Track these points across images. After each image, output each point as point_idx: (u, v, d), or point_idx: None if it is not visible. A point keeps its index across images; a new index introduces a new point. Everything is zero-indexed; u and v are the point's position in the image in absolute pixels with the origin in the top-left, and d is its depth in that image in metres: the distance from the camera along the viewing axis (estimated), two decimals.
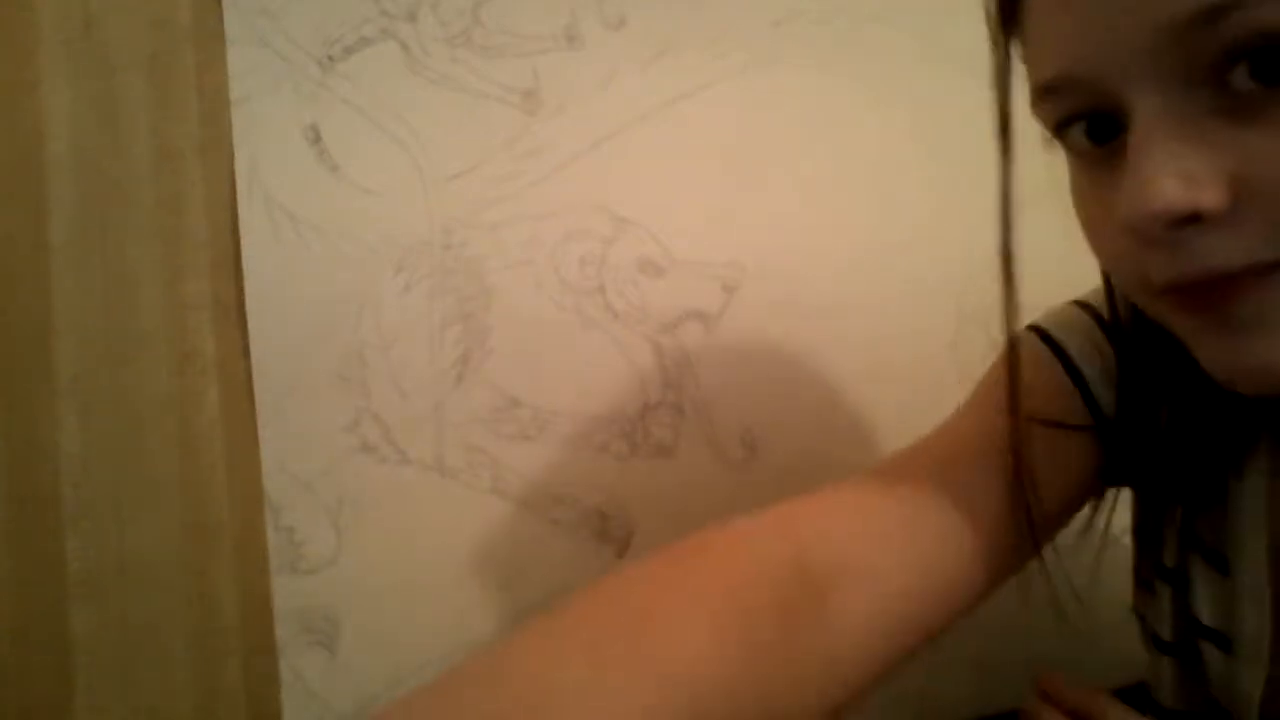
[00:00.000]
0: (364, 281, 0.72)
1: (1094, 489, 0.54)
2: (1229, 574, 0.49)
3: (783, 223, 0.80)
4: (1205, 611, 0.50)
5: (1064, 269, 0.52)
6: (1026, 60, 0.40)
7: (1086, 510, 0.55)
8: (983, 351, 0.80)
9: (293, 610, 0.69)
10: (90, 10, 0.71)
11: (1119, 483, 0.55)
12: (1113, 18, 0.35)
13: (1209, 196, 0.35)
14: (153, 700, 0.67)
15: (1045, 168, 0.43)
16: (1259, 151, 0.34)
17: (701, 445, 0.77)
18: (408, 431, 0.71)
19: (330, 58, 0.74)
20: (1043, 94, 0.40)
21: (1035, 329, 0.56)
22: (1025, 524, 0.49)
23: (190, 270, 0.70)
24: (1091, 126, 0.39)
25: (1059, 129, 0.40)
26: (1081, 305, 0.56)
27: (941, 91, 0.82)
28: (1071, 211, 0.43)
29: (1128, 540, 0.58)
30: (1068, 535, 0.55)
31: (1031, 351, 0.54)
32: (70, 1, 0.71)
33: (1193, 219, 0.35)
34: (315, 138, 0.73)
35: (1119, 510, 0.56)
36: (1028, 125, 0.45)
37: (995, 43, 0.42)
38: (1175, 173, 0.35)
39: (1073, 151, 0.41)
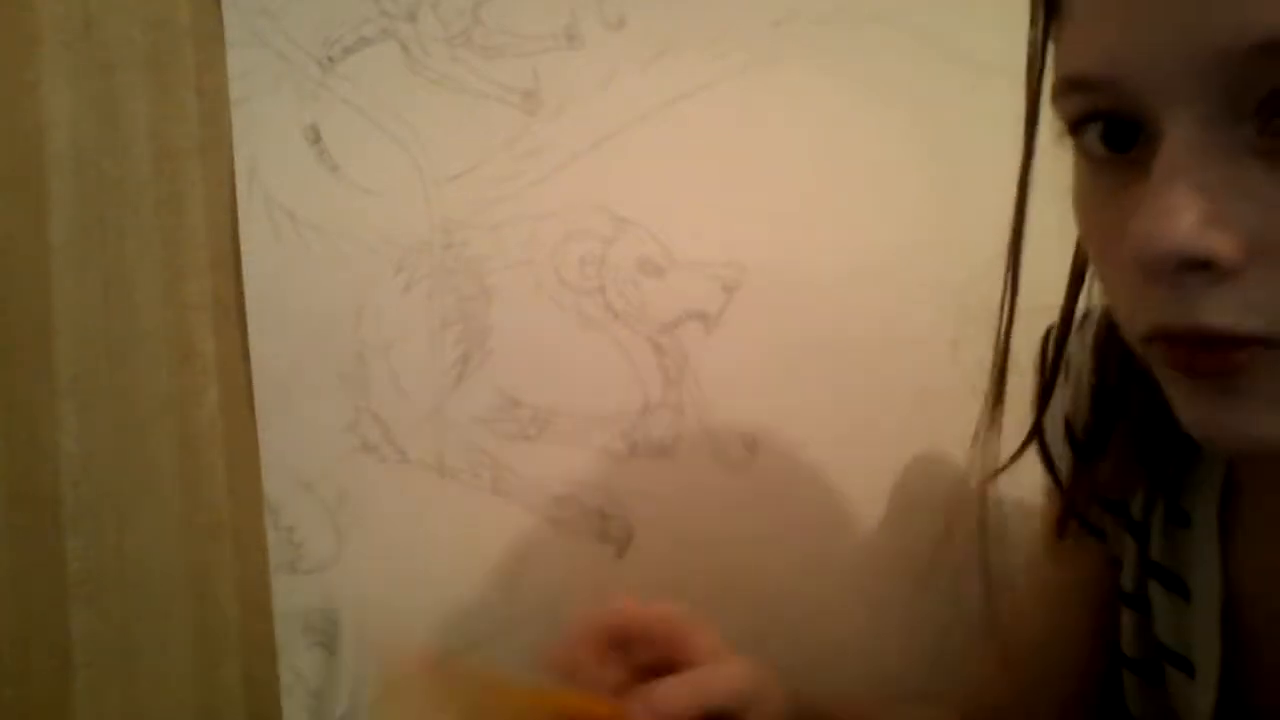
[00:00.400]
0: (364, 281, 0.72)
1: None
2: (1189, 599, 0.49)
3: (783, 223, 0.80)
4: (1167, 636, 0.50)
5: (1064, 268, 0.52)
6: (1060, 47, 0.38)
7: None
8: (983, 352, 0.80)
9: (293, 610, 0.69)
10: (90, 10, 0.71)
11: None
12: (1165, 31, 0.32)
13: (1226, 245, 0.32)
14: (152, 700, 0.67)
15: (1053, 160, 0.43)
16: None
17: (702, 446, 0.77)
18: (408, 431, 0.71)
19: (330, 58, 0.74)
20: (1070, 87, 0.37)
21: None
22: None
23: (190, 270, 0.70)
24: (1109, 129, 0.36)
25: (1076, 125, 0.38)
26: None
27: (942, 92, 0.82)
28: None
29: None
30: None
31: None
32: (70, 2, 0.71)
33: (1203, 265, 0.32)
34: (315, 138, 0.73)
35: None
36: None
37: (1033, 21, 0.40)
38: (1197, 211, 0.32)
39: (1084, 152, 0.38)
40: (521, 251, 0.75)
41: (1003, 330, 0.48)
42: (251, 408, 0.69)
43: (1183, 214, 0.32)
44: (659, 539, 0.75)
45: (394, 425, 0.71)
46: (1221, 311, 0.33)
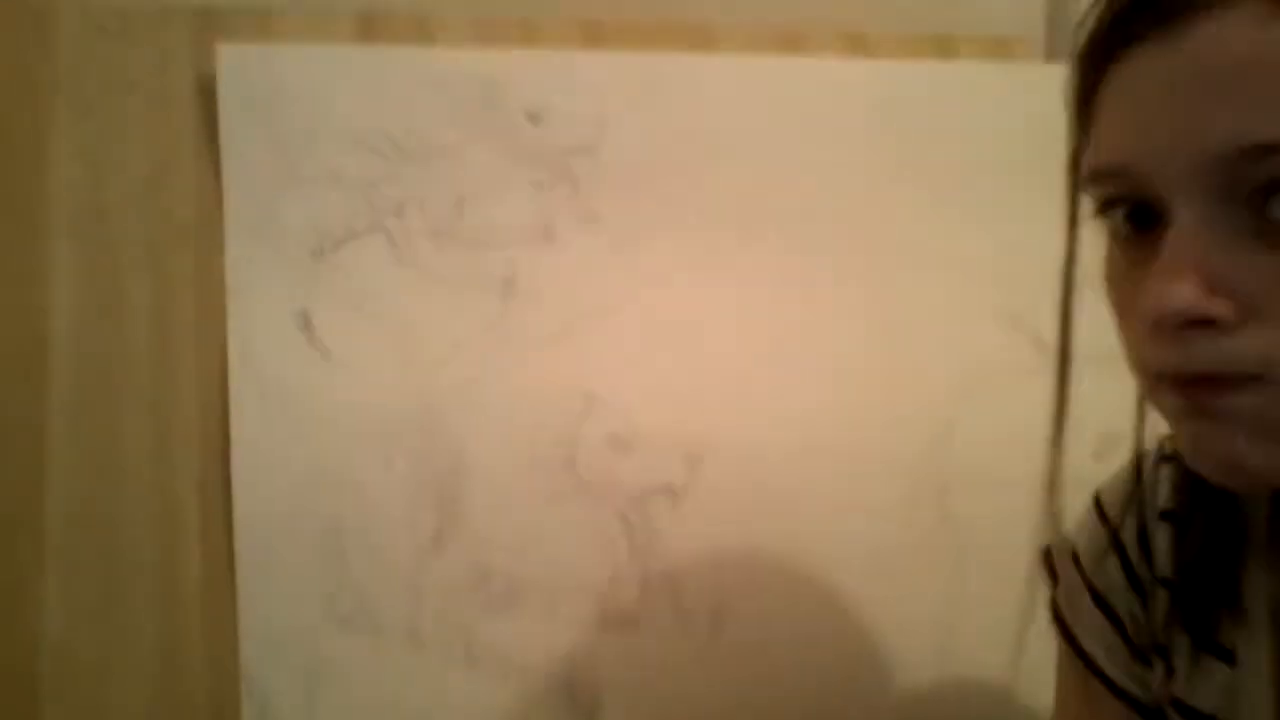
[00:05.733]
0: (345, 457, 0.76)
1: None
2: (1234, 664, 0.51)
3: (745, 400, 0.85)
4: (1204, 700, 0.52)
5: None
6: (1091, 146, 0.44)
7: None
8: (933, 522, 0.84)
9: None
10: (102, 204, 0.77)
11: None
12: (1165, 134, 0.40)
13: (1222, 308, 0.39)
14: None
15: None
16: (1275, 277, 0.39)
17: (668, 617, 0.79)
18: (383, 602, 0.74)
19: (321, 249, 0.80)
20: (1097, 176, 0.44)
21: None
22: None
23: (180, 447, 0.73)
24: (1133, 212, 0.43)
25: (1104, 208, 0.45)
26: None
27: (893, 276, 0.88)
28: None
29: None
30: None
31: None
32: (82, 196, 0.77)
33: (1204, 323, 0.39)
34: (306, 323, 0.78)
35: None
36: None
37: (1071, 129, 0.47)
38: (1198, 280, 0.39)
39: (1111, 231, 0.45)
40: (498, 429, 0.79)
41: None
42: (232, 579, 0.71)
43: (1187, 282, 0.39)
44: (628, 708, 0.77)
45: (370, 595, 0.73)
46: (1222, 358, 0.39)
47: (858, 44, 0.95)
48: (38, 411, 0.71)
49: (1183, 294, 0.39)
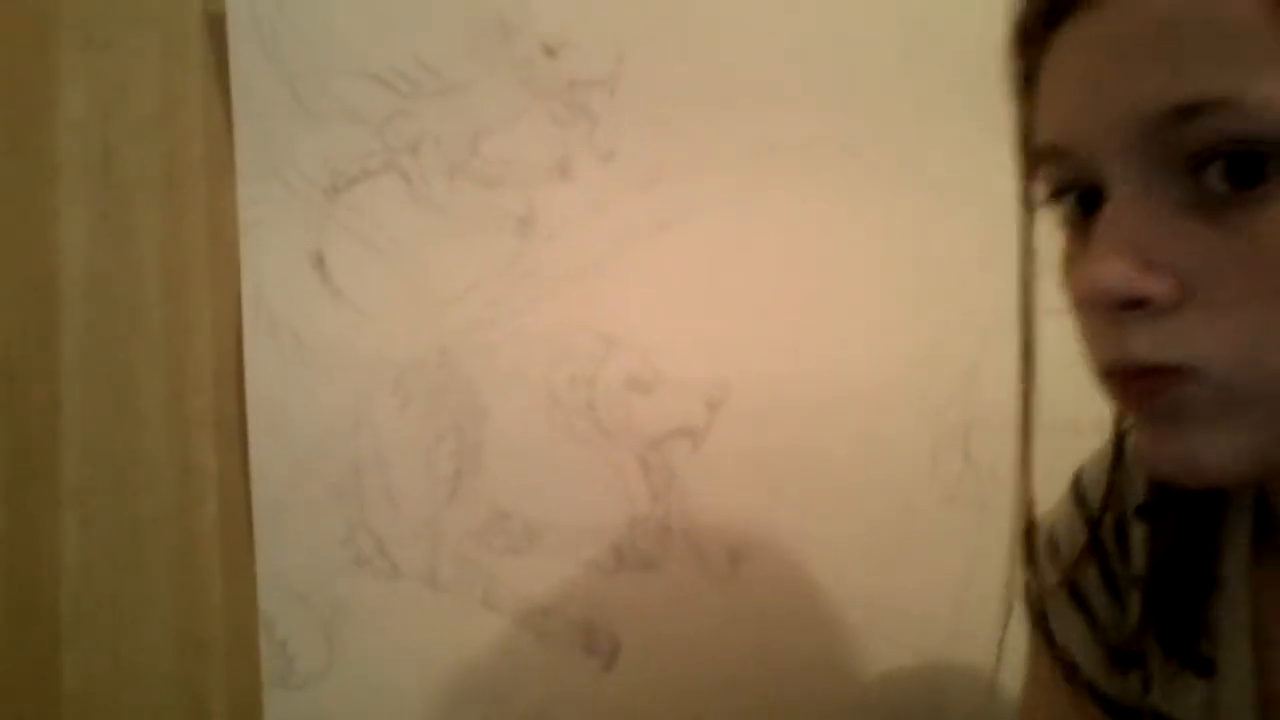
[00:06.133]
0: (361, 400, 0.75)
1: None
2: (1213, 676, 0.48)
3: (766, 342, 0.83)
4: (1183, 714, 0.49)
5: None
6: (1035, 125, 0.42)
7: None
8: (959, 468, 0.83)
9: None
10: (109, 142, 0.76)
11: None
12: (1098, 103, 0.37)
13: (1158, 286, 0.36)
14: None
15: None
16: (1217, 251, 0.36)
17: (687, 559, 0.78)
18: (401, 545, 0.73)
19: (335, 188, 0.78)
20: (1040, 159, 0.42)
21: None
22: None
23: (194, 388, 0.73)
24: (1082, 198, 0.40)
25: (1053, 197, 0.42)
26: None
27: (914, 217, 0.86)
28: None
29: None
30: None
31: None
32: (90, 133, 0.75)
33: (1140, 303, 0.37)
34: (319, 262, 0.77)
35: None
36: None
37: (1017, 103, 0.44)
38: (1133, 256, 0.36)
39: (1063, 220, 0.43)
40: (514, 371, 0.78)
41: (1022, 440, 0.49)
42: (249, 522, 0.71)
43: (1119, 259, 0.36)
44: (646, 651, 0.77)
45: (387, 539, 0.73)
46: (1148, 344, 0.37)
47: None
48: (51, 353, 0.70)
49: (1114, 270, 0.36)
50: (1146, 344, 0.37)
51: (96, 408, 0.70)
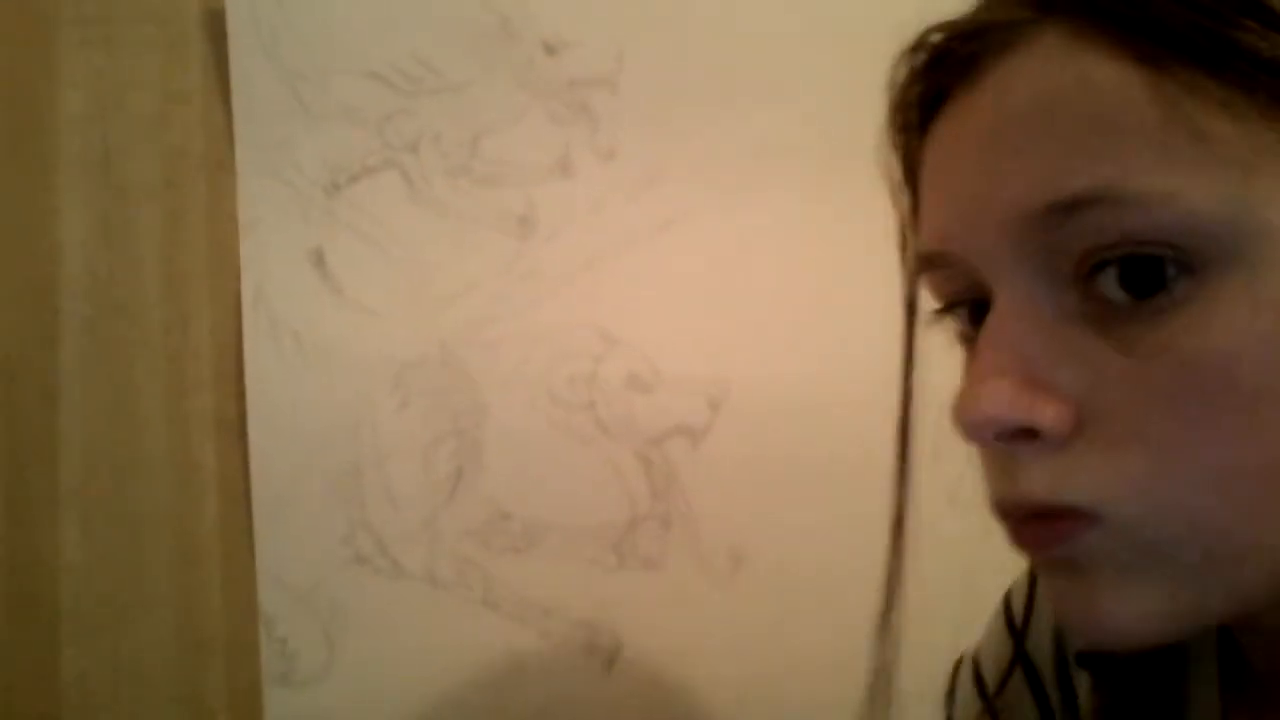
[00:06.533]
0: (362, 398, 0.75)
1: None
2: None
3: (767, 341, 0.83)
4: None
5: None
6: (917, 226, 0.37)
7: None
8: (960, 469, 0.83)
9: None
10: (110, 140, 0.75)
11: None
12: (974, 201, 0.32)
13: (1050, 413, 0.31)
14: None
15: None
16: (1114, 371, 0.30)
17: (688, 558, 0.78)
18: (401, 544, 0.73)
19: (336, 185, 0.78)
20: (922, 265, 0.37)
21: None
22: None
23: (194, 387, 0.72)
24: (974, 312, 0.35)
25: (942, 311, 0.37)
26: None
27: None
28: None
29: None
30: None
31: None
32: (91, 132, 0.75)
33: (1029, 434, 0.31)
34: (319, 260, 0.77)
35: None
36: None
37: (896, 203, 0.40)
38: (1018, 376, 0.31)
39: (960, 337, 0.37)
40: (514, 369, 0.78)
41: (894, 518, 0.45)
42: (249, 521, 0.71)
43: (1001, 379, 0.31)
44: (647, 651, 0.77)
45: (388, 538, 0.73)
46: (1042, 482, 0.31)
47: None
48: (50, 352, 0.70)
49: (996, 394, 0.31)
50: (1040, 482, 0.31)
51: (96, 407, 0.70)
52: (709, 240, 0.84)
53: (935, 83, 0.35)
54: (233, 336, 0.74)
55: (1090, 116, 0.30)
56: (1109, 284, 0.30)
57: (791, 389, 0.83)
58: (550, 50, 0.85)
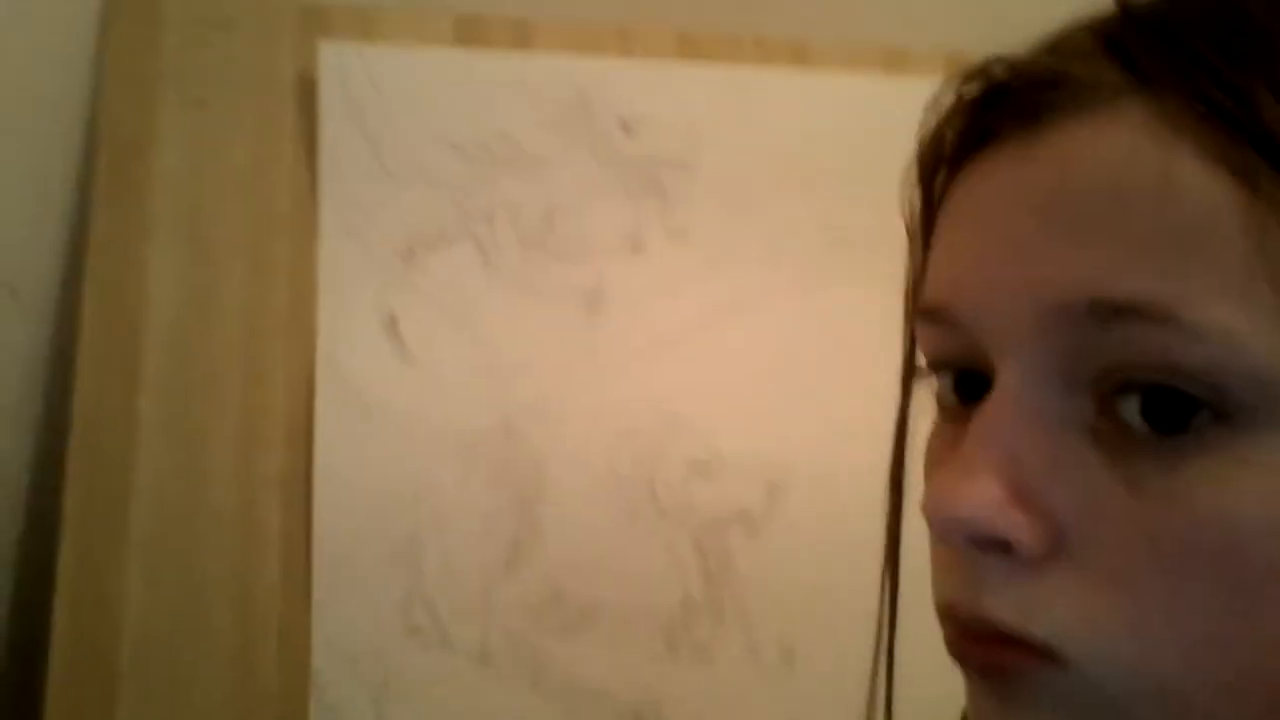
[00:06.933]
0: (426, 466, 0.76)
1: None
2: None
3: (832, 430, 0.83)
4: None
5: None
6: (927, 274, 0.34)
7: None
8: None
9: None
10: (199, 200, 0.78)
11: None
12: (1008, 268, 0.29)
13: (1026, 530, 0.28)
14: None
15: None
16: (1115, 506, 0.27)
17: (739, 648, 0.78)
18: (455, 617, 0.73)
19: (412, 252, 0.80)
20: (922, 317, 0.33)
21: None
22: None
23: (264, 446, 0.74)
24: (961, 380, 0.32)
25: (932, 367, 0.34)
26: None
27: None
28: None
29: None
30: None
31: None
32: (182, 189, 0.77)
33: (1000, 546, 0.28)
34: (393, 327, 0.78)
35: None
36: None
37: (911, 256, 0.36)
38: (1003, 481, 0.28)
39: (938, 398, 0.34)
40: (578, 446, 0.78)
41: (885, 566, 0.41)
42: (309, 583, 0.72)
43: (985, 481, 0.28)
44: None
45: (442, 610, 0.73)
46: (1006, 603, 0.28)
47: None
48: (129, 404, 0.72)
49: (978, 495, 0.28)
50: (1007, 606, 0.28)
51: (170, 460, 0.71)
52: (776, 325, 0.84)
53: (985, 121, 0.31)
54: (305, 398, 0.75)
55: (1167, 222, 0.26)
56: (1129, 407, 0.27)
57: (852, 479, 0.82)
58: (627, 128, 0.87)
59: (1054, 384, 0.28)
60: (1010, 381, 0.29)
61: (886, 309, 0.84)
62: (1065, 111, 0.28)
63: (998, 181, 0.30)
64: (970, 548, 0.28)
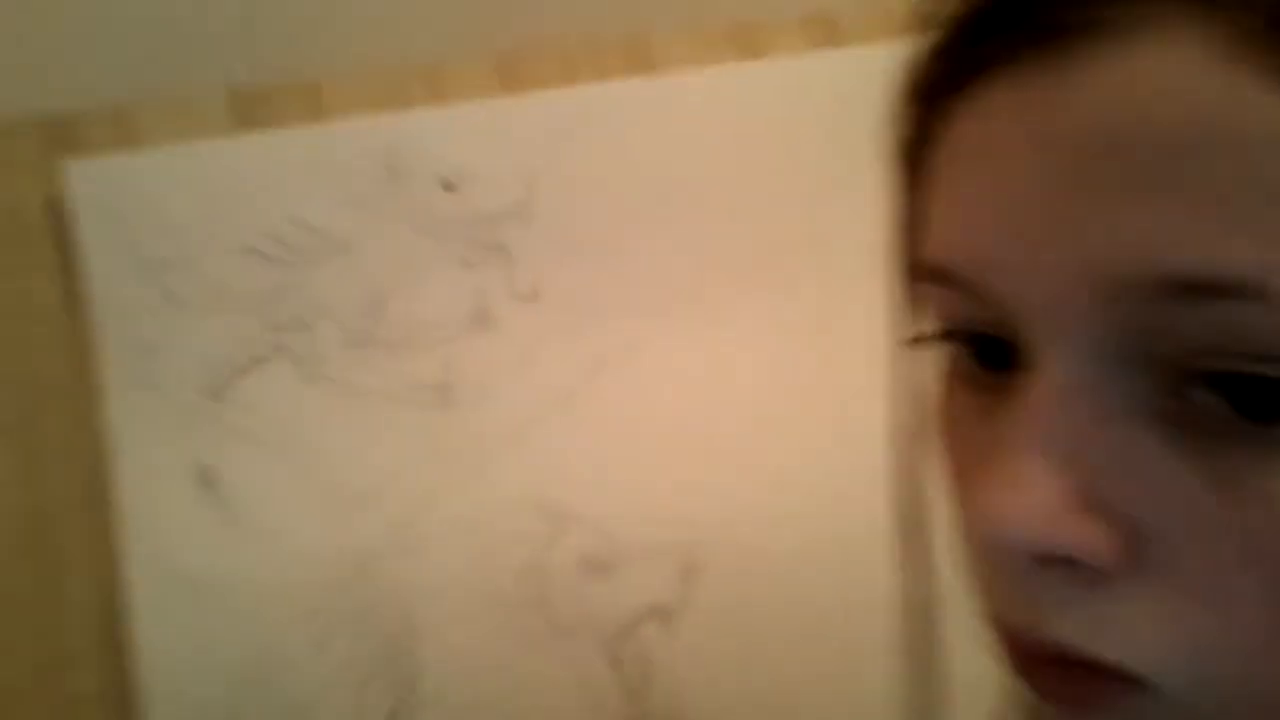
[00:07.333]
0: (271, 640, 0.64)
1: None
2: None
3: (739, 484, 0.72)
4: None
5: None
6: (927, 222, 0.28)
7: None
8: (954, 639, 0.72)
9: None
10: None
11: None
12: (1056, 235, 0.23)
13: (1097, 538, 0.24)
14: None
15: None
16: (1197, 507, 0.23)
17: None
18: None
19: (218, 387, 0.68)
20: (925, 276, 0.28)
21: None
22: None
23: (73, 657, 0.62)
24: (981, 346, 0.27)
25: (943, 333, 0.29)
26: None
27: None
28: None
29: None
30: None
31: None
32: None
33: (1064, 561, 0.24)
34: (206, 480, 0.66)
35: None
36: None
37: (896, 184, 0.31)
38: (1061, 486, 0.24)
39: (949, 365, 0.29)
40: (449, 572, 0.67)
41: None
42: None
43: (1040, 487, 0.24)
44: None
45: None
46: (1077, 624, 0.24)
47: (827, 31, 0.79)
48: None
49: (1032, 506, 0.23)
50: (1077, 626, 0.24)
51: None
52: (658, 379, 0.73)
53: (994, 40, 0.25)
54: (112, 586, 0.63)
55: (1253, 172, 0.21)
56: (1206, 390, 0.23)
57: (776, 533, 0.72)
58: (449, 186, 0.76)
59: (1113, 367, 0.24)
60: (1059, 366, 0.24)
61: (790, 336, 0.74)
62: (1105, 30, 0.23)
63: (1018, 115, 0.24)
64: (1028, 565, 0.24)
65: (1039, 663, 0.26)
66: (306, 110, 0.76)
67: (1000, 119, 0.25)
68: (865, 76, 0.76)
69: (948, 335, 0.28)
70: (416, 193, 0.75)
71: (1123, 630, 0.24)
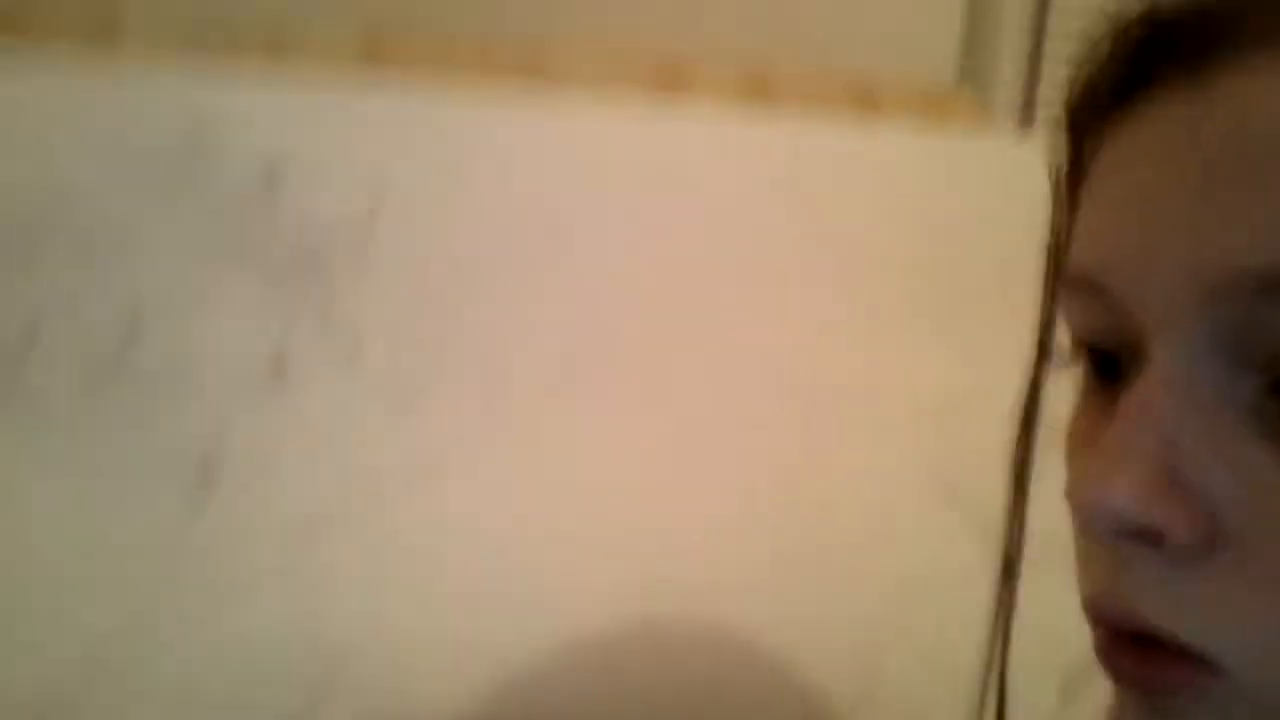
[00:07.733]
0: None
1: None
2: None
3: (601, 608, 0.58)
4: None
5: None
6: (1072, 238, 0.31)
7: None
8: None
9: None
10: None
11: None
12: (1169, 233, 0.26)
13: (1180, 520, 0.25)
14: None
15: None
16: (1271, 490, 0.25)
17: None
18: None
19: None
20: (1066, 284, 0.31)
21: None
22: None
23: None
24: (1101, 360, 0.29)
25: (1077, 345, 0.31)
26: None
27: (812, 434, 0.62)
28: None
29: None
30: None
31: None
32: None
33: (1152, 538, 0.26)
34: None
35: None
36: None
37: (1053, 219, 0.33)
38: (1154, 467, 0.25)
39: (1082, 378, 0.31)
40: None
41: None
42: None
43: (1135, 466, 0.25)
44: None
45: None
46: (1155, 600, 0.26)
47: (756, 87, 0.68)
48: None
49: (1125, 483, 0.25)
50: (1154, 601, 0.26)
51: None
52: (493, 480, 0.58)
53: (1146, 65, 0.27)
54: None
55: None
56: None
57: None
58: (270, 180, 0.57)
59: (1215, 362, 0.26)
60: (1166, 358, 0.26)
61: (666, 434, 0.59)
62: (1240, 54, 0.26)
63: (1159, 133, 0.27)
64: (1119, 540, 0.26)
65: (1122, 643, 0.27)
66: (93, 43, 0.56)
67: (1142, 135, 0.27)
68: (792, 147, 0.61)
69: (1079, 346, 0.30)
70: (224, 180, 0.58)
71: (1201, 612, 0.25)
